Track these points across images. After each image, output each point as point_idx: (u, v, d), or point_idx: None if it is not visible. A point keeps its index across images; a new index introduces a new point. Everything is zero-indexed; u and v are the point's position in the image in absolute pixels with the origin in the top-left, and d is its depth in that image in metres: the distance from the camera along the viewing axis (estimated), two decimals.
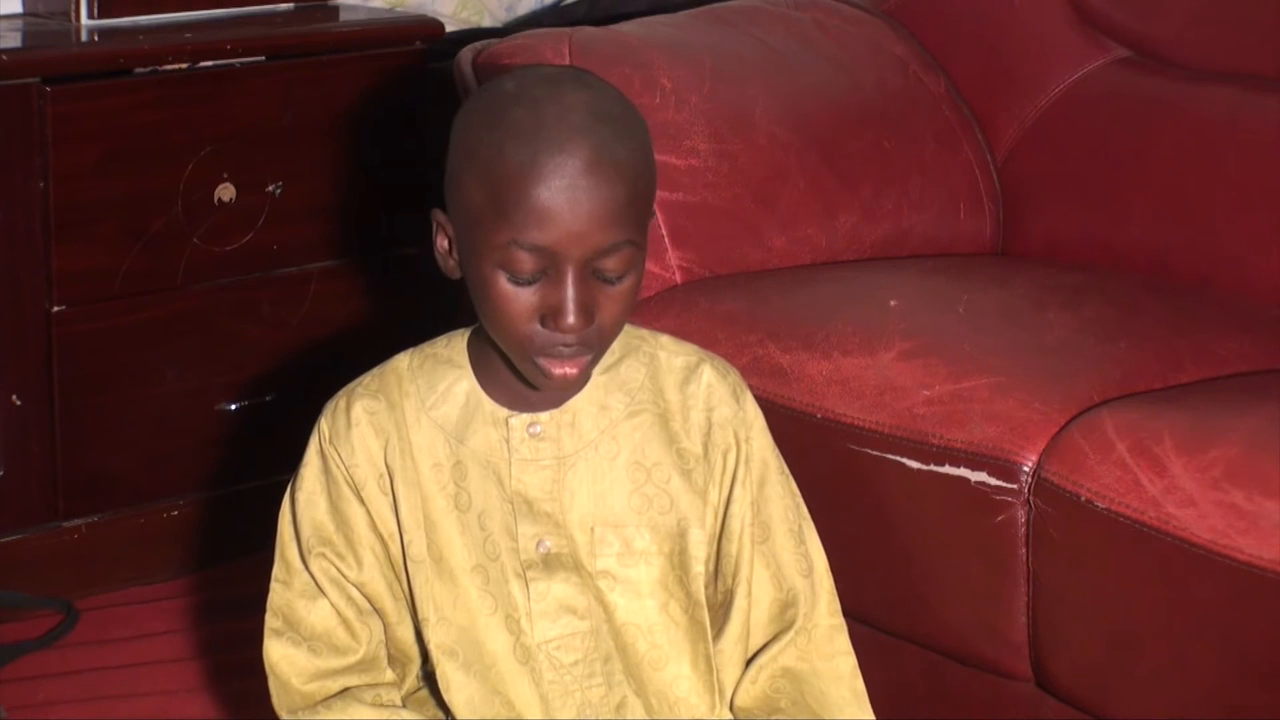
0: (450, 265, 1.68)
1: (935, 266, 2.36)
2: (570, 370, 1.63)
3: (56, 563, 2.49)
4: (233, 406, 2.59)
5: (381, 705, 1.74)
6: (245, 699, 2.26)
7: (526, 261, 1.59)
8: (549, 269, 1.59)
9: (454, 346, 1.75)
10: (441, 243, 1.68)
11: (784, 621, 1.77)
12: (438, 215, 1.68)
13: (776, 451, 1.78)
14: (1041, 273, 2.32)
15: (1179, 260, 2.35)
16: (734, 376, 1.77)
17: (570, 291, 1.59)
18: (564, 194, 1.57)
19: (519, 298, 1.61)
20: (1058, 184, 2.49)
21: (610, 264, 1.60)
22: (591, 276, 1.60)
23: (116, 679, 2.35)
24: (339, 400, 1.75)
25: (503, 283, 1.61)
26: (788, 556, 1.77)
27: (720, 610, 1.76)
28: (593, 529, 1.72)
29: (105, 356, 2.48)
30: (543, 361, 1.63)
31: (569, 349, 1.62)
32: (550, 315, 1.60)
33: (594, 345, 1.64)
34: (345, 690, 1.75)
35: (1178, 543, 1.79)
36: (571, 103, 1.60)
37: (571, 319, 1.59)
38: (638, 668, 1.74)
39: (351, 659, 1.75)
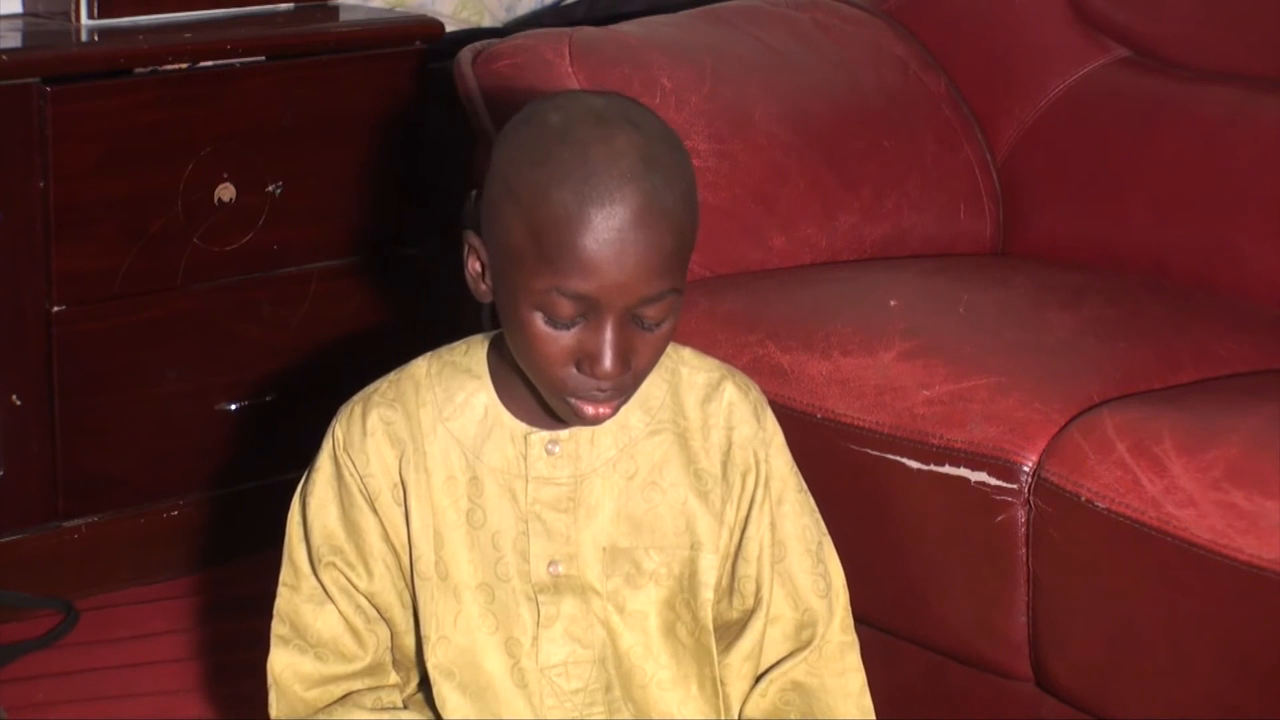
0: (482, 290, 1.65)
1: (935, 266, 2.36)
2: (604, 411, 1.61)
3: (56, 563, 2.49)
4: (233, 406, 2.59)
5: (382, 708, 1.73)
6: (245, 699, 2.26)
7: (566, 307, 1.56)
8: (588, 314, 1.57)
9: (473, 355, 1.72)
10: (474, 266, 1.65)
11: (799, 640, 1.76)
12: (470, 238, 1.64)
13: (795, 468, 1.77)
14: (1041, 273, 2.32)
15: (1179, 260, 2.35)
16: (755, 393, 1.76)
17: (609, 338, 1.56)
18: (612, 246, 1.54)
19: (556, 341, 1.58)
20: (1058, 184, 2.49)
21: (651, 312, 1.58)
22: (631, 323, 1.58)
23: (116, 679, 2.35)
24: (354, 407, 1.73)
25: (539, 324, 1.58)
26: (804, 577, 1.76)
27: (735, 627, 1.76)
28: (604, 548, 1.70)
29: (105, 356, 2.48)
30: (576, 403, 1.61)
31: (603, 393, 1.60)
32: (587, 360, 1.57)
33: (628, 388, 1.62)
34: (346, 695, 1.74)
35: (1178, 543, 1.79)
36: (622, 147, 1.55)
37: (608, 366, 1.57)
38: (643, 691, 1.72)
39: (358, 665, 1.74)
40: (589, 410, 1.61)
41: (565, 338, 1.58)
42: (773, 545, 1.74)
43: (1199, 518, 1.78)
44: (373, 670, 1.74)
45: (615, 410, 1.63)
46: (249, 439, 2.61)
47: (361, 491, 1.71)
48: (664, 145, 1.59)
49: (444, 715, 1.72)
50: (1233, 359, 2.07)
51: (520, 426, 1.70)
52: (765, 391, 2.03)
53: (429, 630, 1.71)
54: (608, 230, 1.54)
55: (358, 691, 1.74)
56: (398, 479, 1.71)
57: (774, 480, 1.74)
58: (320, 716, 1.73)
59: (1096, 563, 1.85)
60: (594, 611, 1.71)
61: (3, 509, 2.45)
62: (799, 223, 2.37)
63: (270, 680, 1.75)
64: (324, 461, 1.73)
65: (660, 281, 1.56)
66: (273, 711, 1.75)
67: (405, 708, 1.76)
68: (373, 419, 1.71)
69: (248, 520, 2.58)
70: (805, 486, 1.78)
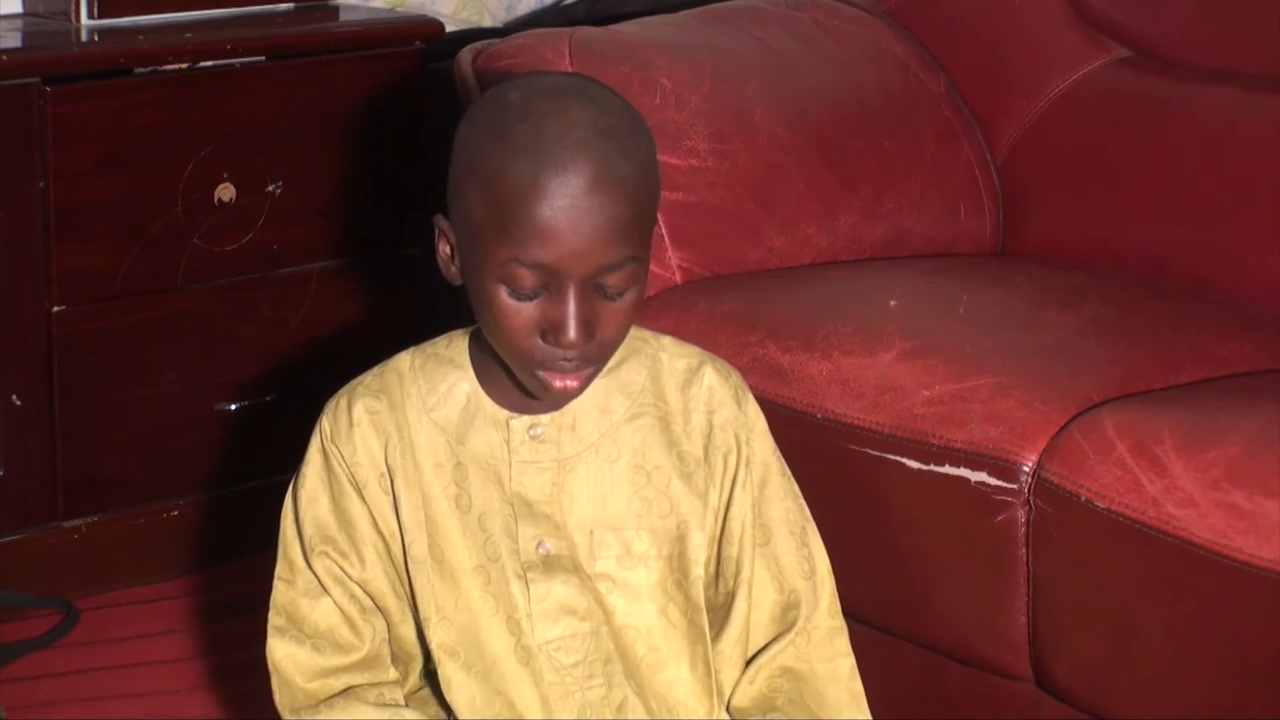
0: (452, 272, 1.68)
1: (935, 266, 2.36)
2: (571, 383, 1.63)
3: (56, 563, 2.49)
4: (233, 406, 2.59)
5: (384, 704, 1.74)
6: (245, 699, 2.26)
7: (528, 278, 1.59)
8: (550, 285, 1.59)
9: (455, 347, 1.75)
10: (444, 249, 1.68)
11: (785, 623, 1.77)
12: (440, 221, 1.68)
13: (778, 453, 1.78)
14: (1041, 273, 2.32)
15: (1179, 260, 2.35)
16: (735, 378, 1.77)
17: (571, 308, 1.59)
18: (566, 213, 1.56)
19: (520, 312, 1.60)
20: (1058, 184, 2.49)
21: (612, 280, 1.60)
22: (593, 292, 1.60)
23: (116, 679, 2.35)
24: (340, 399, 1.76)
25: (504, 297, 1.60)
26: (789, 559, 1.77)
27: (720, 611, 1.77)
28: (592, 532, 1.72)
29: (105, 356, 2.48)
30: (544, 374, 1.63)
31: (570, 363, 1.62)
32: (551, 331, 1.60)
33: (595, 359, 1.64)
34: (348, 689, 1.75)
35: (1178, 543, 1.79)
36: (576, 118, 1.58)
37: (572, 335, 1.59)
38: (637, 669, 1.74)
39: (355, 657, 1.75)
40: (556, 382, 1.63)
41: (529, 309, 1.60)
42: (756, 528, 1.76)
43: (1199, 518, 1.78)
44: (370, 662, 1.75)
45: (583, 383, 1.64)
46: (249, 439, 2.61)
47: (350, 480, 1.73)
48: (619, 116, 1.62)
49: (448, 695, 1.74)
50: (1233, 359, 2.07)
51: (502, 412, 1.72)
52: (765, 391, 2.03)
53: (428, 612, 1.73)
54: (563, 198, 1.56)
55: (359, 686, 1.75)
56: (384, 468, 1.73)
57: (755, 463, 1.76)
58: (323, 710, 1.74)
59: (1096, 563, 1.86)
60: (586, 589, 1.72)
61: (3, 509, 2.45)
62: (799, 223, 2.37)
63: (271, 667, 1.77)
64: (313, 454, 1.76)
65: (618, 249, 1.58)
66: (276, 697, 1.77)
67: (406, 705, 1.77)
68: (358, 409, 1.74)
69: (248, 520, 2.58)
70: (789, 472, 1.79)
